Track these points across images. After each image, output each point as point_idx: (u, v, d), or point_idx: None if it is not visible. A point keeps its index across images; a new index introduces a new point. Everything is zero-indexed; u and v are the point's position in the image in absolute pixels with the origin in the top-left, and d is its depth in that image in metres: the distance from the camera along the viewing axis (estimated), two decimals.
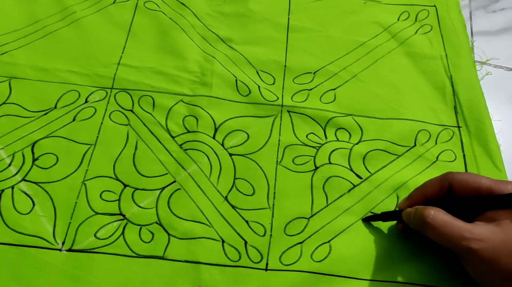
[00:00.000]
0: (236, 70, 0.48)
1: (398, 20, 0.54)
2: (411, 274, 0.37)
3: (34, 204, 0.39)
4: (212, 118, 0.45)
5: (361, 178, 0.42)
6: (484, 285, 0.33)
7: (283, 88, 0.48)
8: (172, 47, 0.50)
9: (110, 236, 0.38)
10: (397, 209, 0.39)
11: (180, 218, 0.39)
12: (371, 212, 0.40)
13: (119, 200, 0.40)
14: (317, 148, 0.44)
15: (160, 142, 0.43)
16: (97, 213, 0.39)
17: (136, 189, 0.40)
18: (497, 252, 0.31)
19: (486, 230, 0.32)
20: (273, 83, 0.48)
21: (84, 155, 0.42)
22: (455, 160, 0.44)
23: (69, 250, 0.37)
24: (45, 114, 0.44)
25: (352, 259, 0.38)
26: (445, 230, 0.32)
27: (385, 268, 0.38)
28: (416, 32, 0.53)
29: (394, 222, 0.39)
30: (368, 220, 0.40)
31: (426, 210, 0.34)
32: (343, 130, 0.45)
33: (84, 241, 0.38)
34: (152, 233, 0.38)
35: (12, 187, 0.39)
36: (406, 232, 0.38)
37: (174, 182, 0.41)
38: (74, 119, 0.44)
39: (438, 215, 0.33)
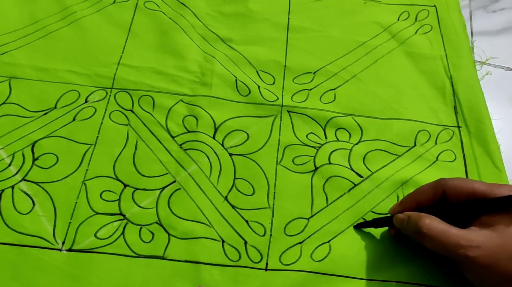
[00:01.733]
0: (236, 70, 0.48)
1: (398, 20, 0.54)
2: (411, 274, 0.37)
3: (34, 204, 0.39)
4: (212, 118, 0.45)
5: (361, 176, 0.42)
6: None
7: (283, 88, 0.48)
8: (172, 47, 0.50)
9: (110, 236, 0.38)
10: (388, 214, 0.39)
11: (180, 218, 0.39)
12: (363, 218, 0.40)
13: (119, 200, 0.40)
14: (317, 148, 0.44)
15: (160, 142, 0.43)
16: (97, 213, 0.39)
17: (136, 189, 0.40)
18: (495, 258, 0.31)
19: (482, 236, 0.31)
20: (273, 83, 0.48)
21: (84, 155, 0.42)
22: (455, 160, 0.44)
23: (69, 250, 0.37)
24: (45, 114, 0.44)
25: (351, 258, 0.38)
26: (441, 239, 0.32)
27: (384, 267, 0.38)
28: (416, 32, 0.53)
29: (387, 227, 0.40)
30: (359, 227, 0.40)
31: (421, 219, 0.33)
32: (343, 130, 0.45)
33: (84, 241, 0.38)
34: (152, 233, 0.38)
35: (12, 187, 0.39)
36: (399, 237, 0.38)
37: (174, 182, 0.41)
38: (74, 119, 0.44)
39: (433, 224, 0.32)
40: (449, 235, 0.32)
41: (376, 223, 0.39)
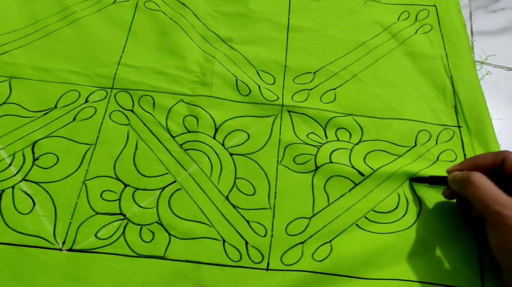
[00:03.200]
0: (236, 70, 0.48)
1: (398, 20, 0.54)
2: (412, 272, 0.37)
3: (34, 204, 0.39)
4: (212, 118, 0.45)
5: (363, 174, 0.42)
6: (501, 257, 0.34)
7: (283, 88, 0.48)
8: (172, 47, 0.50)
9: (110, 236, 0.38)
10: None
11: (181, 218, 0.39)
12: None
13: (119, 199, 0.40)
14: (318, 147, 0.44)
15: (161, 142, 0.43)
16: (97, 213, 0.39)
17: (137, 188, 0.40)
18: None
19: None
20: (273, 83, 0.48)
21: (84, 155, 0.42)
22: (455, 159, 0.44)
23: (70, 250, 0.37)
24: (45, 114, 0.44)
25: (353, 258, 0.38)
26: (485, 191, 0.34)
27: (386, 266, 0.38)
28: (416, 32, 0.53)
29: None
30: (415, 180, 0.41)
31: (473, 172, 0.35)
32: (343, 130, 0.45)
33: (85, 241, 0.38)
34: (153, 233, 0.38)
35: (13, 187, 0.39)
36: (451, 198, 0.40)
37: (175, 181, 0.41)
38: (74, 119, 0.44)
39: (482, 178, 0.35)
40: (493, 190, 0.34)
41: (432, 180, 0.41)
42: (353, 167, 0.43)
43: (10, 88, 0.45)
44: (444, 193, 0.40)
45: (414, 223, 0.40)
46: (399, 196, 0.41)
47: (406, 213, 0.41)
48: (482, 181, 0.34)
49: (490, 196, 0.33)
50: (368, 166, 0.43)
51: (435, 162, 0.44)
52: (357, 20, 0.54)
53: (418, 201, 0.41)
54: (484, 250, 0.38)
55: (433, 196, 0.41)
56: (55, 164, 0.41)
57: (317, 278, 0.37)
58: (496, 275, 0.37)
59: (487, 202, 0.33)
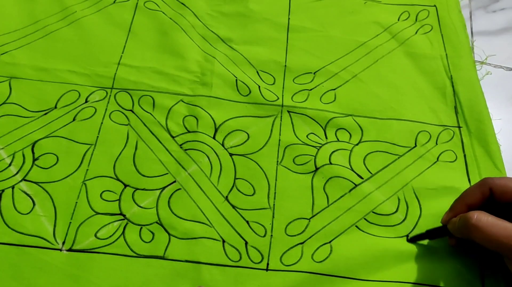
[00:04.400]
0: (236, 70, 0.48)
1: (398, 20, 0.54)
2: (412, 274, 0.37)
3: (34, 204, 0.39)
4: (212, 118, 0.45)
5: (362, 177, 0.42)
6: None
7: (283, 88, 0.48)
8: (172, 47, 0.50)
9: (110, 236, 0.38)
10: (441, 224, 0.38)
11: (181, 218, 0.39)
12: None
13: (119, 200, 0.40)
14: (318, 147, 0.44)
15: (160, 142, 0.43)
16: (97, 213, 0.39)
17: (137, 189, 0.40)
18: None
19: None
20: (273, 83, 0.48)
21: (84, 155, 0.42)
22: (455, 160, 0.44)
23: (70, 250, 0.37)
24: (45, 114, 0.44)
25: (353, 259, 0.38)
26: (492, 230, 0.31)
27: (385, 268, 0.38)
28: (416, 32, 0.53)
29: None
30: (413, 241, 0.39)
31: (470, 214, 0.33)
32: (343, 130, 0.45)
33: (85, 241, 0.38)
34: (153, 233, 0.38)
35: (13, 187, 0.39)
36: (460, 246, 0.37)
37: (175, 182, 0.41)
38: (74, 119, 0.44)
39: (482, 216, 0.32)
40: (500, 226, 0.31)
41: (430, 234, 0.38)
42: (352, 169, 0.43)
43: (10, 88, 0.45)
44: (450, 244, 0.38)
45: (414, 227, 0.40)
46: (398, 199, 0.41)
47: (406, 217, 0.40)
48: (483, 220, 0.32)
49: (499, 232, 0.31)
50: (367, 168, 0.43)
51: (435, 162, 0.44)
52: (357, 20, 0.54)
53: (419, 204, 0.41)
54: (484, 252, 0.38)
55: (433, 200, 0.41)
56: (55, 164, 0.41)
57: (317, 279, 0.37)
58: (497, 277, 0.37)
59: (499, 239, 0.31)
